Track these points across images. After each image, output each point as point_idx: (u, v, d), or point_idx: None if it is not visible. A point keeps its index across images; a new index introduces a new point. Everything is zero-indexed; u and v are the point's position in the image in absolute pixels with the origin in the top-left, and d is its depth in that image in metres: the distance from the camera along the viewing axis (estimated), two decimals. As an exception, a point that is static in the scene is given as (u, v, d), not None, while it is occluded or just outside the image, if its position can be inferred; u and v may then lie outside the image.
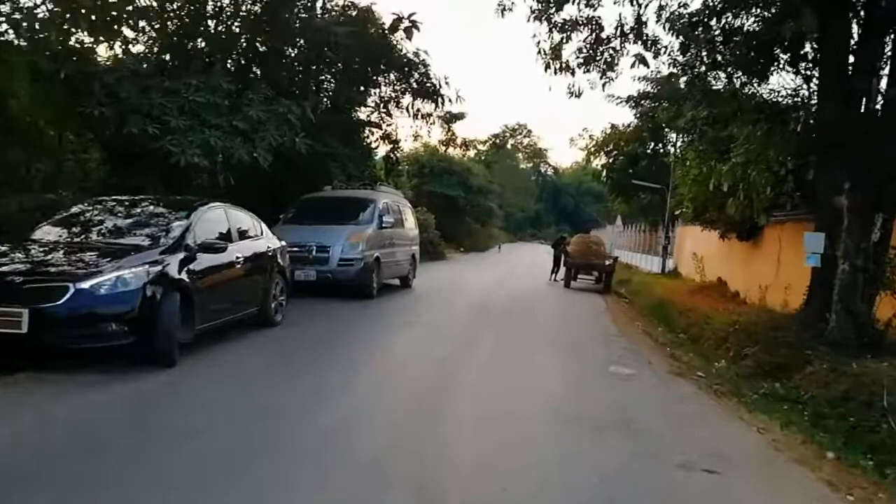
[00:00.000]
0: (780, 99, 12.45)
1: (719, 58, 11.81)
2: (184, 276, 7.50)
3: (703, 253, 21.05)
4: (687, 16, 11.46)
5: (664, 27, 11.65)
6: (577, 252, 23.25)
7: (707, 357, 10.57)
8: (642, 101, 30.69)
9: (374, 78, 20.27)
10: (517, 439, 5.89)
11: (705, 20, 11.39)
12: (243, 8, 16.77)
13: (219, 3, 16.54)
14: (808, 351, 8.67)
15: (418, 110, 21.19)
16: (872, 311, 9.29)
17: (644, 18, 12.05)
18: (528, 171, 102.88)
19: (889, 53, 9.99)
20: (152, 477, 4.45)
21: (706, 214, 17.52)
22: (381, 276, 15.73)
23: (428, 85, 20.19)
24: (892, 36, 10.13)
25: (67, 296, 6.44)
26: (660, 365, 9.93)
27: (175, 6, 15.63)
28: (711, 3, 11.26)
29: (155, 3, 15.05)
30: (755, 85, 12.43)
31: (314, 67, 19.02)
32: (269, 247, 10.28)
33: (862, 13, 10.25)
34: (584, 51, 12.65)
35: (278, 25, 16.64)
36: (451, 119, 23.87)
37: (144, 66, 14.00)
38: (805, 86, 11.83)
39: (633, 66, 12.31)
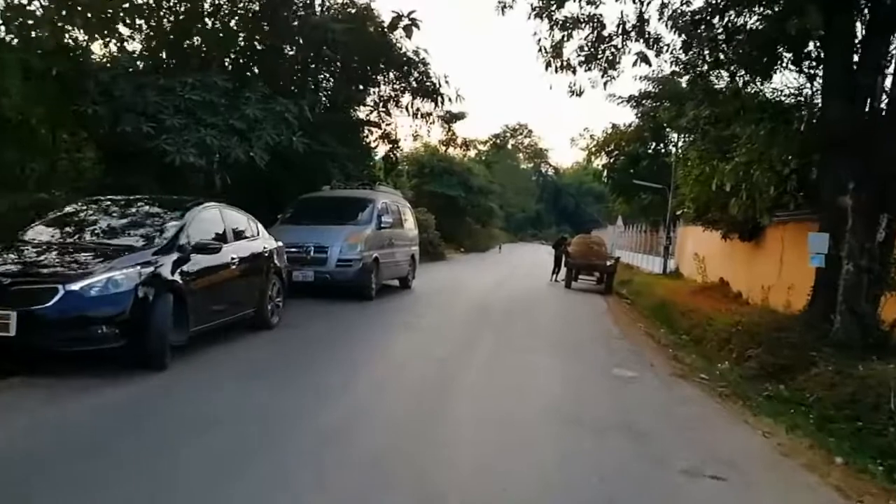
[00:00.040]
0: (783, 98, 12.32)
1: (721, 56, 11.67)
2: (177, 277, 7.35)
3: (705, 253, 21.02)
4: (689, 13, 11.33)
5: (666, 25, 11.52)
6: (578, 252, 23.16)
7: (710, 358, 10.46)
8: (643, 101, 30.68)
9: (374, 76, 20.09)
10: (517, 442, 5.76)
11: (708, 18, 11.27)
12: (241, 5, 16.61)
13: (216, 0, 16.39)
14: (812, 352, 8.59)
15: (418, 109, 21.00)
16: (877, 312, 9.22)
17: (646, 16, 11.91)
18: (528, 172, 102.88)
19: (894, 51, 9.89)
20: (146, 482, 4.36)
21: (708, 214, 17.45)
22: (380, 276, 15.62)
23: (427, 84, 20.01)
24: (898, 33, 10.00)
25: (57, 298, 6.30)
26: (662, 367, 9.82)
27: (171, 3, 15.49)
28: (714, 1, 11.12)
29: (151, 1, 14.90)
30: (758, 84, 12.28)
31: (313, 66, 18.87)
32: (265, 247, 10.13)
33: (867, 11, 10.15)
34: (586, 49, 12.48)
35: (277, 23, 16.49)
36: (451, 119, 23.73)
37: (140, 63, 13.87)
38: (808, 85, 11.72)
39: (634, 64, 12.17)
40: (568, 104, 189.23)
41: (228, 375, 7.47)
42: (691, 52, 11.94)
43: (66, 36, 12.48)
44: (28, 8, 11.72)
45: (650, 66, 12.46)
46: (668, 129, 29.20)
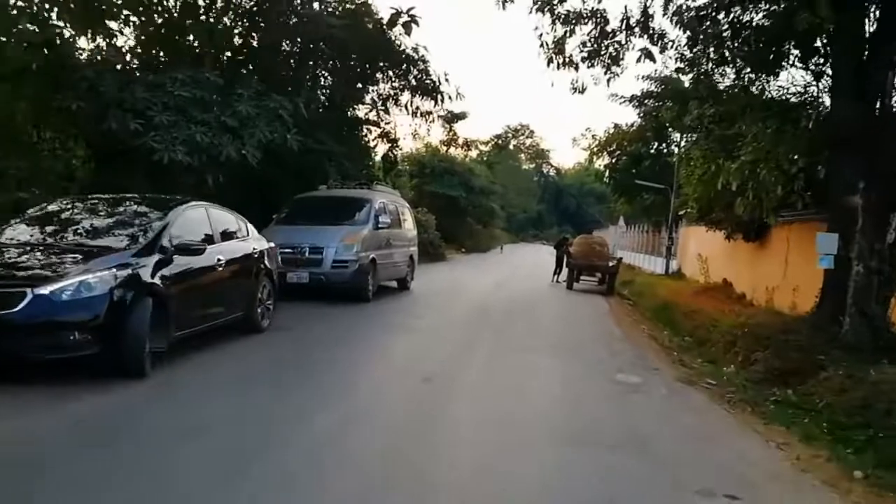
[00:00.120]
0: (789, 96, 12.10)
1: (727, 53, 11.44)
2: (157, 280, 6.99)
3: (708, 254, 20.93)
4: (694, 9, 11.08)
5: (671, 20, 11.25)
6: (579, 253, 22.96)
7: (715, 361, 10.20)
8: (646, 101, 30.51)
9: (372, 74, 19.85)
10: (515, 465, 5.36)
11: (713, 14, 11.03)
12: (236, 1, 16.32)
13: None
14: (820, 356, 8.35)
15: (417, 108, 20.82)
16: (888, 314, 9.03)
17: (650, 11, 11.66)
18: (530, 172, 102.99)
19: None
20: (115, 496, 4.13)
21: (712, 214, 17.22)
22: (378, 278, 15.34)
23: (427, 82, 19.79)
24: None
25: (25, 302, 5.94)
26: (667, 372, 9.53)
27: (164, -2, 15.24)
28: (719, -4, 10.87)
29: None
30: (764, 81, 12.07)
31: (310, 63, 18.61)
32: (254, 248, 9.78)
33: (877, 5, 9.96)
34: (589, 44, 12.23)
35: (273, 19, 16.21)
36: (452, 119, 23.64)
37: (131, 59, 13.59)
38: (815, 82, 11.51)
39: (638, 60, 11.95)
40: (569, 104, 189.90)
41: (213, 382, 7.16)
42: (696, 49, 11.69)
43: (50, 29, 12.12)
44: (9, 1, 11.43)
45: (654, 62, 12.19)
46: (670, 129, 29.05)
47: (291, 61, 18.31)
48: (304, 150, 14.47)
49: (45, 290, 6.05)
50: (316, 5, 17.17)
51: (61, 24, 12.16)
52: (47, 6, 11.60)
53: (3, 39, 10.89)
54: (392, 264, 16.58)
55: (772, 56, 11.11)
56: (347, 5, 18.00)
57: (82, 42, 13.57)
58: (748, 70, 11.73)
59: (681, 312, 14.80)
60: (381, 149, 22.68)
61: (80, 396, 6.01)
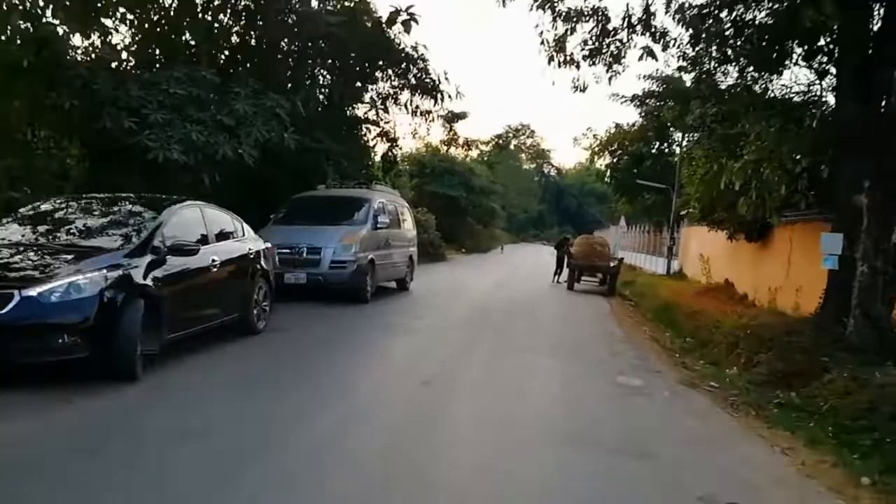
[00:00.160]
0: (792, 95, 12.04)
1: (729, 52, 11.34)
2: (149, 281, 6.85)
3: (710, 254, 20.87)
4: (697, 7, 10.97)
5: (673, 18, 11.15)
6: (580, 253, 22.85)
7: (717, 363, 10.08)
8: (647, 100, 30.44)
9: (371, 73, 19.72)
10: (515, 472, 5.23)
11: (715, 12, 10.92)
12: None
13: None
14: (824, 357, 8.24)
15: (417, 107, 20.68)
16: (893, 316, 8.95)
17: (652, 9, 11.56)
18: (531, 172, 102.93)
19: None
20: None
21: (714, 214, 17.11)
22: (376, 278, 15.19)
23: (427, 80, 19.65)
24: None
25: (12, 304, 5.80)
26: (669, 374, 9.41)
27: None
28: (722, -7, 10.77)
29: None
30: (767, 80, 11.98)
31: (309, 61, 18.49)
32: (250, 249, 9.64)
33: (882, 3, 9.86)
34: (590, 42, 12.11)
35: (270, 17, 16.08)
36: (452, 118, 23.51)
37: (126, 57, 13.48)
38: (819, 81, 11.42)
39: (640, 58, 11.86)
40: (570, 104, 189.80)
41: (207, 384, 7.03)
42: (698, 48, 11.59)
43: (44, 26, 11.99)
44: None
45: (656, 60, 12.11)
46: (671, 129, 28.96)
47: (290, 60, 18.17)
48: (302, 150, 14.33)
49: (32, 292, 5.92)
50: (314, 3, 17.08)
51: (56, 21, 12.04)
52: (41, 3, 11.47)
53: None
54: (391, 265, 16.45)
55: (775, 55, 11.00)
56: (346, 3, 17.88)
57: (77, 40, 13.47)
58: (751, 69, 11.64)
59: (682, 313, 14.74)
60: (381, 148, 22.60)
61: (69, 399, 5.87)
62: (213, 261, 8.30)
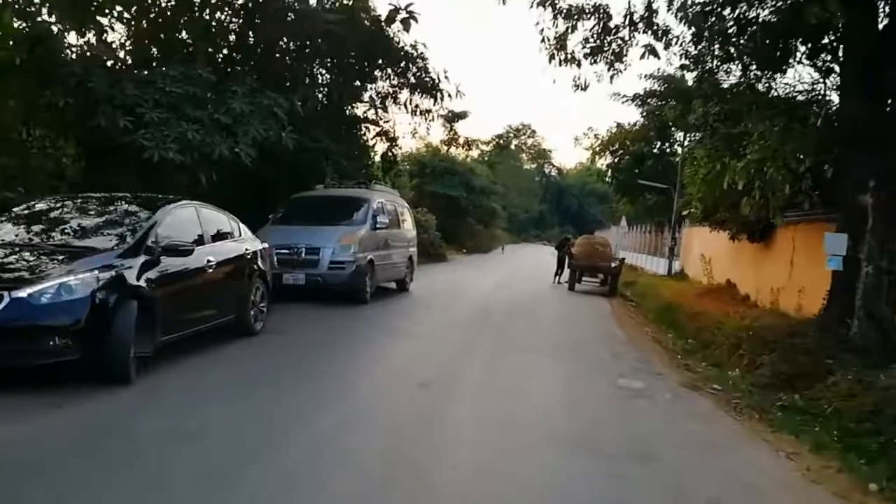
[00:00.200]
0: (796, 94, 11.94)
1: (732, 50, 11.24)
2: (143, 282, 6.73)
3: (712, 254, 20.77)
4: (699, 4, 10.86)
5: (676, 16, 11.08)
6: (581, 254, 22.80)
7: (720, 365, 9.97)
8: (649, 100, 30.32)
9: (371, 72, 19.61)
10: (515, 478, 5.11)
11: (718, 9, 10.82)
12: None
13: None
14: (828, 359, 8.15)
15: (417, 106, 20.57)
16: None
17: (655, 6, 11.47)
18: (531, 172, 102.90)
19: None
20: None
21: (717, 215, 16.98)
22: (376, 279, 15.09)
23: (426, 79, 19.54)
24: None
25: (1, 306, 5.69)
26: (672, 376, 9.31)
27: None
28: (725, -9, 10.67)
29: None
30: (770, 79, 11.89)
31: (307, 60, 18.38)
32: (247, 249, 9.51)
33: (887, 1, 9.79)
34: (591, 40, 12.01)
35: (268, 14, 15.97)
36: (452, 118, 23.42)
37: (123, 56, 13.38)
38: (823, 80, 11.36)
39: (642, 57, 11.76)
40: (571, 104, 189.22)
41: (201, 387, 6.92)
42: (701, 46, 11.50)
43: (39, 24, 11.88)
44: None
45: (658, 58, 12.00)
46: (673, 128, 28.83)
47: (288, 58, 18.06)
48: (301, 149, 14.22)
49: (22, 293, 5.81)
50: (312, 1, 16.94)
51: (52, 19, 11.94)
52: (36, 0, 11.36)
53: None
54: (391, 265, 16.35)
55: (778, 53, 10.91)
56: (344, 1, 17.78)
57: (72, 38, 13.36)
58: (754, 67, 11.55)
59: (684, 314, 14.63)
60: (381, 148, 22.49)
61: (61, 404, 5.77)
62: (209, 261, 8.18)
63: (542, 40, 12.16)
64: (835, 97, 11.13)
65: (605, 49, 12.02)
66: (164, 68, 12.68)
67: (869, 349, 8.24)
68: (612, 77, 12.38)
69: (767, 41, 10.69)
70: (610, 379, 8.77)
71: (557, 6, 11.71)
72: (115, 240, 7.10)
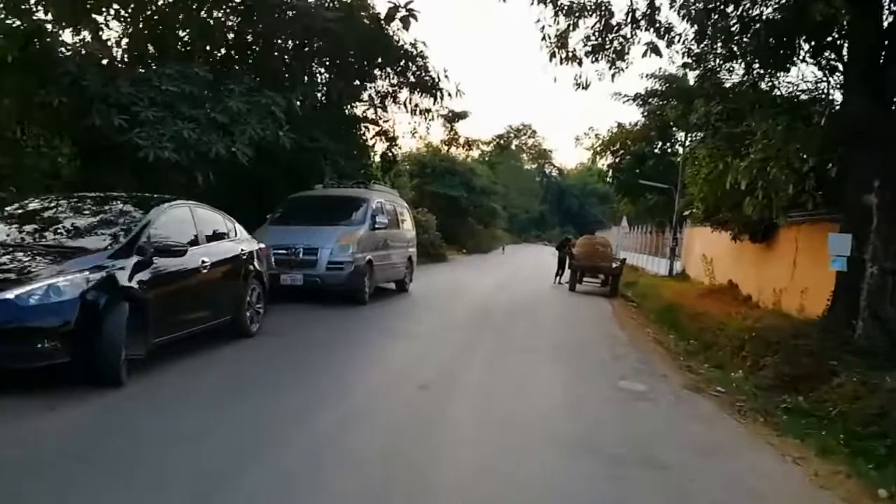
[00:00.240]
0: (799, 93, 11.92)
1: (735, 48, 11.17)
2: (134, 283, 6.59)
3: (713, 255, 20.69)
4: (702, 2, 10.79)
5: (678, 14, 11.02)
6: (582, 254, 22.74)
7: (723, 366, 9.87)
8: (650, 100, 30.27)
9: (370, 71, 19.51)
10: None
11: (721, 7, 10.74)
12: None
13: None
14: (832, 361, 8.07)
15: (416, 105, 20.46)
16: None
17: (657, 4, 11.43)
18: (532, 172, 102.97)
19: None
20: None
21: (718, 215, 16.89)
22: (375, 280, 14.97)
23: (426, 78, 19.43)
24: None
25: (-12, 307, 5.57)
26: (674, 378, 9.21)
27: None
28: (728, -11, 10.59)
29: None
30: (773, 77, 11.84)
31: (306, 59, 18.27)
32: (242, 249, 9.38)
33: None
34: (593, 38, 11.98)
35: (266, 12, 15.86)
36: (452, 118, 23.32)
37: (119, 54, 13.25)
38: (827, 78, 11.34)
39: (644, 55, 11.65)
40: (572, 104, 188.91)
41: (194, 389, 6.79)
42: (704, 44, 11.41)
43: (33, 22, 11.76)
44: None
45: (660, 57, 11.91)
46: (675, 128, 28.77)
47: (286, 57, 17.97)
48: (299, 149, 14.11)
49: (10, 295, 5.67)
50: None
51: (48, 17, 11.82)
52: (32, -2, 11.29)
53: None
54: (390, 265, 16.25)
55: (782, 51, 10.86)
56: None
57: (67, 36, 13.25)
58: (757, 65, 11.48)
59: (686, 315, 14.54)
60: (380, 147, 22.39)
61: (53, 406, 5.66)
62: (203, 262, 8.05)
63: (543, 38, 12.12)
64: (839, 96, 11.09)
65: (607, 47, 11.98)
66: (160, 67, 12.55)
67: (874, 351, 8.19)
68: (613, 75, 12.36)
69: (771, 39, 10.64)
70: (611, 380, 8.68)
71: (559, 3, 11.66)
72: (107, 240, 6.96)
